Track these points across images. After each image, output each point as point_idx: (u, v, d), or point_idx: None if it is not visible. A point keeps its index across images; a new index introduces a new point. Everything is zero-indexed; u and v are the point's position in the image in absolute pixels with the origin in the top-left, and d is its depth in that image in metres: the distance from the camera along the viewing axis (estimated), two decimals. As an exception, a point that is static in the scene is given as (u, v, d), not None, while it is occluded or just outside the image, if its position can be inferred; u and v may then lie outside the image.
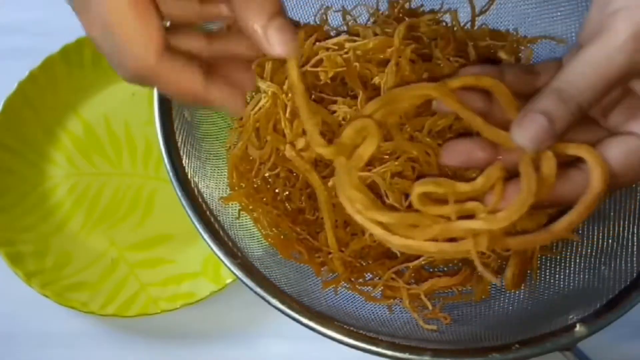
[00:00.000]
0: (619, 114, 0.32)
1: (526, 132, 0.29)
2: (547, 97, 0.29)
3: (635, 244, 0.40)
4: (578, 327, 0.36)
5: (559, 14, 0.45)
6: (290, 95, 0.41)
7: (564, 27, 0.45)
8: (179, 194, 0.41)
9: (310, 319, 0.37)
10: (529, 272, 0.43)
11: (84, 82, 0.58)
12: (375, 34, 0.43)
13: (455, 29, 0.47)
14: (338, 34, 0.47)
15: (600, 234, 0.42)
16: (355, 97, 0.42)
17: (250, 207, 0.44)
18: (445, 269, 0.45)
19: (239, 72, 0.31)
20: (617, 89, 0.31)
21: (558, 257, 0.43)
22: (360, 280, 0.44)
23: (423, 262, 0.42)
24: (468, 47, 0.44)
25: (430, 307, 0.42)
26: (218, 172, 0.45)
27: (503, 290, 0.43)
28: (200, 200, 0.41)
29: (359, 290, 0.43)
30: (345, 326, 0.37)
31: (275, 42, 0.27)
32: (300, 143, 0.40)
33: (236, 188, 0.44)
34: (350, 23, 0.48)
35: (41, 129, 0.57)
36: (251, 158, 0.44)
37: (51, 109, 0.57)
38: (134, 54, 0.27)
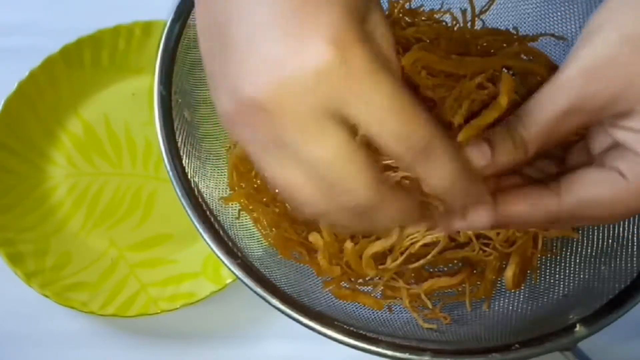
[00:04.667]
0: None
1: (471, 154, 0.29)
2: (498, 129, 0.30)
3: (635, 244, 0.40)
4: (578, 327, 0.36)
5: (559, 14, 0.45)
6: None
7: (564, 27, 0.45)
8: (179, 194, 0.41)
9: (310, 319, 0.37)
10: (529, 271, 0.43)
11: (84, 82, 0.58)
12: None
13: (455, 28, 0.47)
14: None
15: (600, 234, 0.42)
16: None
17: (250, 207, 0.44)
18: (445, 268, 0.45)
19: None
20: (576, 131, 0.30)
21: (558, 257, 0.43)
22: (360, 280, 0.44)
23: (423, 262, 0.42)
24: (469, 47, 0.44)
25: (430, 307, 0.42)
26: (218, 172, 0.45)
27: (503, 290, 0.43)
28: (200, 200, 0.41)
29: (357, 296, 0.43)
30: (345, 326, 0.37)
31: None
32: None
33: (236, 188, 0.44)
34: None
35: (41, 129, 0.57)
36: (251, 158, 0.44)
37: (51, 109, 0.57)
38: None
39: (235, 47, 0.23)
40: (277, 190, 0.25)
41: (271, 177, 0.25)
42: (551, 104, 0.28)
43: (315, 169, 0.23)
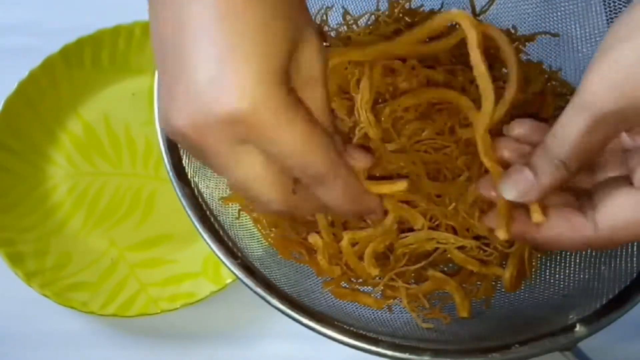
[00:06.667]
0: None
1: (510, 181, 0.31)
2: (536, 152, 0.31)
3: (635, 244, 0.40)
4: (578, 327, 0.36)
5: (558, 13, 0.45)
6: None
7: (564, 27, 0.45)
8: (179, 194, 0.41)
9: (310, 319, 0.37)
10: (528, 272, 0.43)
11: (84, 82, 0.58)
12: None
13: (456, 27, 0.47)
14: (337, 34, 0.48)
15: (601, 234, 0.42)
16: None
17: (250, 207, 0.44)
18: (446, 269, 0.45)
19: None
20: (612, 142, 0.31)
21: (558, 257, 0.43)
22: (360, 280, 0.44)
23: (424, 263, 0.42)
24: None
25: (427, 307, 0.42)
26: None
27: (503, 290, 0.43)
28: (200, 200, 0.41)
29: (357, 296, 0.43)
30: (345, 326, 0.37)
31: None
32: None
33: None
34: (350, 23, 0.48)
35: (41, 129, 0.57)
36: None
37: (51, 109, 0.57)
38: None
39: (170, 62, 0.27)
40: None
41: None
42: (577, 121, 0.29)
43: (238, 185, 0.29)
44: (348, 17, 0.48)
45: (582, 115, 0.28)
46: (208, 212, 0.41)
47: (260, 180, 0.29)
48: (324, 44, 0.30)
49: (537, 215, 0.31)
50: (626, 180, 0.31)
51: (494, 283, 0.43)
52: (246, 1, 0.25)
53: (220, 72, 0.25)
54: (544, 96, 0.45)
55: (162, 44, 0.28)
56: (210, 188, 0.43)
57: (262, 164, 0.28)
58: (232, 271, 0.39)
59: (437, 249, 0.42)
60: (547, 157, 0.30)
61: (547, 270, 0.43)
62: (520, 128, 0.35)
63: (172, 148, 0.42)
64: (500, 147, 0.35)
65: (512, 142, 0.35)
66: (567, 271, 0.42)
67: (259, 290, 0.38)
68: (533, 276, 0.43)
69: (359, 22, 0.48)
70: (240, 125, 0.26)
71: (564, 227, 0.31)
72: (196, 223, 0.40)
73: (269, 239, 0.44)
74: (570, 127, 0.29)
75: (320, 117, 0.30)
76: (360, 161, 0.33)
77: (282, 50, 0.26)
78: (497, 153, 0.35)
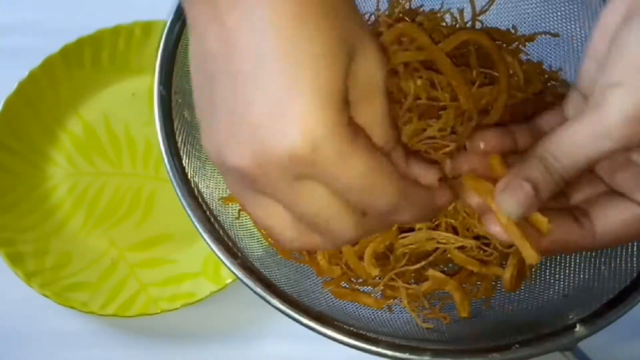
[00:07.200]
0: (628, 178, 0.31)
1: (512, 197, 0.30)
2: (534, 166, 0.30)
3: (635, 244, 0.40)
4: (578, 327, 0.36)
5: (559, 13, 0.45)
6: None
7: (564, 27, 0.45)
8: (179, 194, 0.41)
9: (310, 319, 0.37)
10: (528, 272, 0.43)
11: (84, 82, 0.58)
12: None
13: (457, 25, 0.47)
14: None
15: (601, 234, 0.42)
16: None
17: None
18: (445, 269, 0.45)
19: None
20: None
21: (558, 257, 0.43)
22: (360, 280, 0.44)
23: (424, 263, 0.42)
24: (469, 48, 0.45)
25: (427, 307, 0.42)
26: (218, 172, 0.45)
27: (503, 290, 0.43)
28: (200, 200, 0.41)
29: (357, 296, 0.43)
30: (345, 326, 0.37)
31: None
32: None
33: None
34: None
35: (41, 129, 0.57)
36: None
37: (51, 109, 0.57)
38: None
39: (224, 98, 0.25)
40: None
41: (256, 219, 0.29)
42: (594, 148, 0.28)
43: (307, 219, 0.27)
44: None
45: (602, 143, 0.28)
46: (208, 212, 0.41)
47: (328, 210, 0.27)
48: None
49: (544, 225, 0.31)
50: (616, 193, 0.31)
51: (494, 283, 0.44)
52: (302, 15, 0.23)
53: (282, 104, 0.24)
54: (544, 96, 0.45)
55: (211, 61, 0.25)
56: (210, 188, 0.43)
57: (327, 196, 0.26)
58: (232, 271, 0.39)
59: (437, 248, 0.42)
60: (549, 173, 0.30)
61: (547, 270, 0.43)
62: (482, 141, 0.33)
63: (172, 148, 0.42)
64: (465, 164, 0.33)
65: (475, 159, 0.33)
66: (567, 271, 0.42)
67: (259, 290, 0.38)
68: (533, 276, 0.43)
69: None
70: (302, 162, 0.24)
71: (567, 231, 0.31)
72: (196, 223, 0.40)
73: (269, 239, 0.44)
74: (584, 150, 0.28)
75: (382, 130, 0.28)
76: (426, 178, 0.31)
77: (342, 68, 0.25)
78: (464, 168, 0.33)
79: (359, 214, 0.27)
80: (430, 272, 0.42)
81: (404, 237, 0.41)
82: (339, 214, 0.27)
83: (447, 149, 0.41)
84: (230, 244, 0.40)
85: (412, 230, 0.42)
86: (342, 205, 0.27)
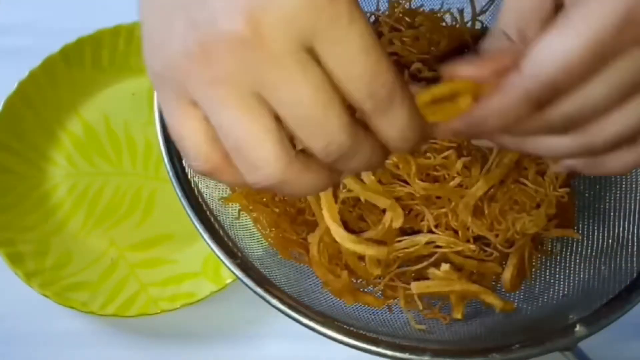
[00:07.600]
0: None
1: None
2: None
3: (635, 244, 0.40)
4: (578, 327, 0.36)
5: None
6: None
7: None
8: (179, 194, 0.41)
9: (310, 319, 0.37)
10: (528, 272, 0.43)
11: (84, 82, 0.58)
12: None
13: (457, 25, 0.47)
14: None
15: (600, 234, 0.42)
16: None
17: (250, 207, 0.44)
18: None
19: None
20: None
21: (558, 257, 0.43)
22: (360, 280, 0.44)
23: (425, 264, 0.42)
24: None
25: (421, 308, 0.42)
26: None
27: (502, 290, 0.43)
28: (200, 200, 0.41)
29: (357, 296, 0.43)
30: (345, 326, 0.37)
31: None
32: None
33: (236, 188, 0.44)
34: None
35: (41, 129, 0.57)
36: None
37: (51, 109, 0.57)
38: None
39: None
40: (229, 143, 0.23)
41: (171, 127, 0.25)
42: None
43: (294, 112, 0.23)
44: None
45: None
46: (208, 212, 0.41)
47: (327, 101, 0.22)
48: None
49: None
50: None
51: (494, 283, 0.44)
52: None
53: None
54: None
55: None
56: (210, 188, 0.43)
57: (325, 80, 0.22)
58: (232, 271, 0.39)
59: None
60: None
61: (547, 270, 0.43)
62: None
63: (172, 148, 0.42)
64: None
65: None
66: (567, 271, 0.42)
67: (259, 290, 0.38)
68: (533, 276, 0.43)
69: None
70: (310, 14, 0.21)
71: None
72: (196, 223, 0.40)
73: (269, 239, 0.44)
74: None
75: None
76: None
77: None
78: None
79: (290, 150, 0.23)
80: (432, 271, 0.42)
81: (399, 241, 0.41)
82: (264, 139, 0.23)
83: (448, 152, 0.41)
84: (230, 244, 0.40)
85: (412, 230, 0.42)
86: (333, 94, 0.23)
